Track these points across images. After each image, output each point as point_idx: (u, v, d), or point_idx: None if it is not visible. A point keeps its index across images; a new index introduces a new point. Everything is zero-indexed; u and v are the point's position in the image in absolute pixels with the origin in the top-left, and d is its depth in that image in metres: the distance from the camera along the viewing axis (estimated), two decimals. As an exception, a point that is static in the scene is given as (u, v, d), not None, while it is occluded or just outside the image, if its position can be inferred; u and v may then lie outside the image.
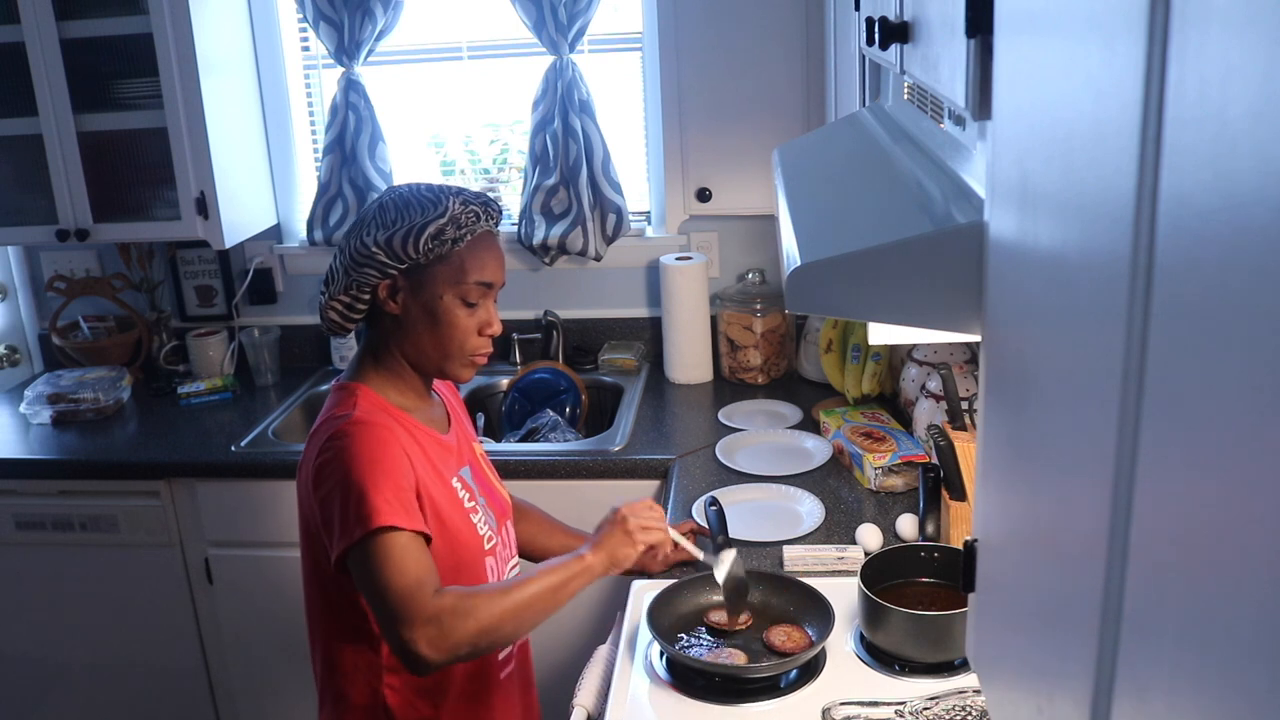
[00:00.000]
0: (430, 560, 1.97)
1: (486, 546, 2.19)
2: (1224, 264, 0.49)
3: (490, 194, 4.07)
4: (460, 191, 2.11)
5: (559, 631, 3.33)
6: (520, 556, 2.44)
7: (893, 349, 3.38)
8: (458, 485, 2.17)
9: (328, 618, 2.17)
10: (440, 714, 2.18)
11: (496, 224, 2.16)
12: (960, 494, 2.43)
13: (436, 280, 2.08)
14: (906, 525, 2.64)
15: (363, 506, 1.93)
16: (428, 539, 1.99)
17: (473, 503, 2.20)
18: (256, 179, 3.90)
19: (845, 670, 2.21)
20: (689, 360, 3.81)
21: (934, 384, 2.93)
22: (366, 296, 2.10)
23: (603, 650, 2.39)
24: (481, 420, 3.75)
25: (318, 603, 2.18)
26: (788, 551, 2.62)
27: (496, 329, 2.19)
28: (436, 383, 2.29)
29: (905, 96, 1.97)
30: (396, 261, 2.06)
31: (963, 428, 2.60)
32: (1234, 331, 0.50)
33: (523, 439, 3.61)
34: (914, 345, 3.18)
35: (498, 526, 2.27)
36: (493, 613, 1.95)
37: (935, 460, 2.53)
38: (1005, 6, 1.00)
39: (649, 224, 4.00)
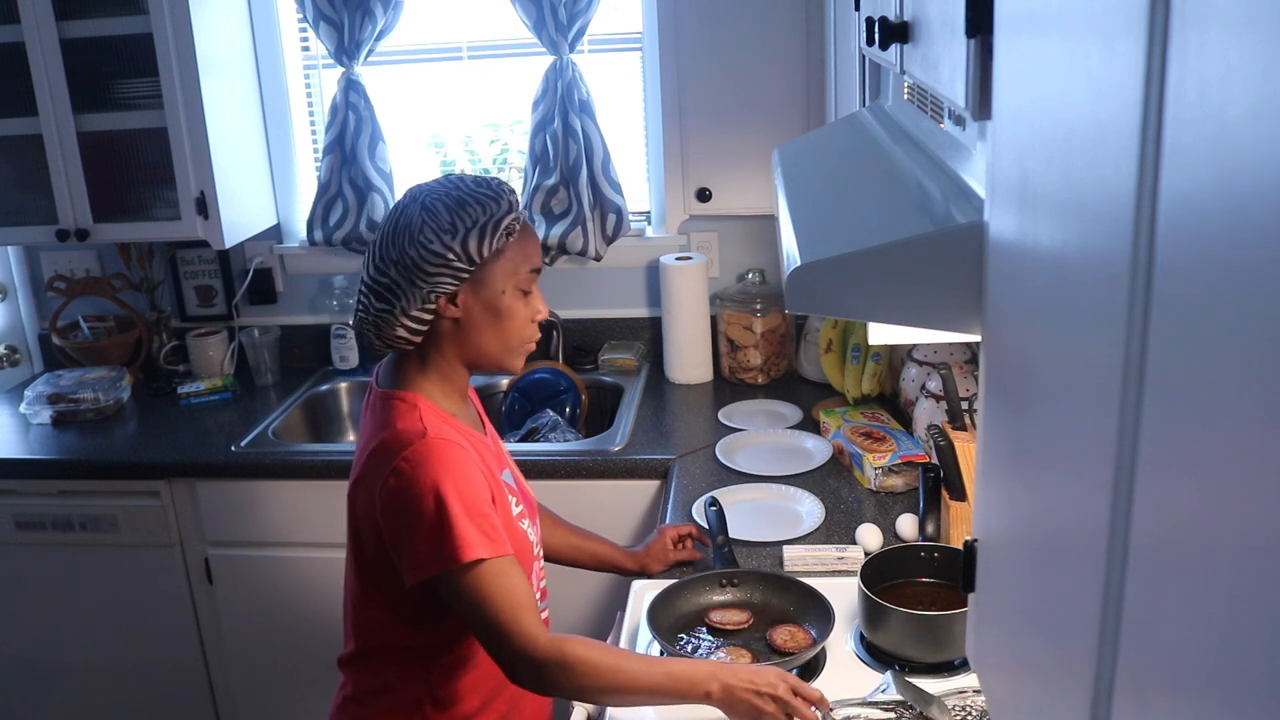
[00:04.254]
0: (522, 581, 1.94)
1: (535, 551, 2.17)
2: (1224, 264, 0.50)
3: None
4: (500, 182, 2.07)
5: (558, 630, 3.33)
6: None
7: (893, 349, 3.38)
8: (505, 490, 2.11)
9: (380, 627, 2.12)
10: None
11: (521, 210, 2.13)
12: (960, 494, 2.43)
13: (498, 276, 2.03)
14: (906, 525, 2.64)
15: (449, 539, 1.88)
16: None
17: (520, 506, 2.15)
18: (256, 179, 3.90)
19: (845, 670, 2.21)
20: (689, 360, 3.81)
21: (934, 384, 2.93)
22: (433, 306, 2.02)
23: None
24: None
25: (371, 607, 2.13)
26: (788, 551, 2.62)
27: (546, 313, 2.17)
28: None
29: (905, 96, 1.97)
30: (469, 264, 1.99)
31: (963, 428, 2.60)
32: (1234, 331, 0.50)
33: (523, 439, 3.61)
34: (914, 345, 3.18)
35: (535, 528, 2.23)
36: (597, 685, 1.92)
37: (935, 460, 2.53)
38: (1005, 6, 1.00)
39: (649, 224, 4.00)
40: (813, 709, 1.92)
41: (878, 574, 2.30)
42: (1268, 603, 0.49)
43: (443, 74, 4.00)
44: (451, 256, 1.97)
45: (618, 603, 2.65)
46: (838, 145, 2.11)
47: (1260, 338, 0.47)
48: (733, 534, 2.64)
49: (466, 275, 2.00)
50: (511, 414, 3.77)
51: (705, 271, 3.77)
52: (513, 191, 2.06)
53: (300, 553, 3.43)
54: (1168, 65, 0.56)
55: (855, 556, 2.55)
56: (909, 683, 2.00)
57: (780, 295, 3.63)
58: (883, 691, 1.95)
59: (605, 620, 3.08)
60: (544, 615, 2.16)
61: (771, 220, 3.67)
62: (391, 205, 2.09)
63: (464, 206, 1.99)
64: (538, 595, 2.18)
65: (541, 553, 2.26)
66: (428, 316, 2.02)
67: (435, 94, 4.04)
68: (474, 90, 4.00)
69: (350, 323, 3.89)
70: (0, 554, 3.58)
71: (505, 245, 2.02)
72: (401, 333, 2.03)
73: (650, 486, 3.25)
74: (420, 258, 1.97)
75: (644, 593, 2.43)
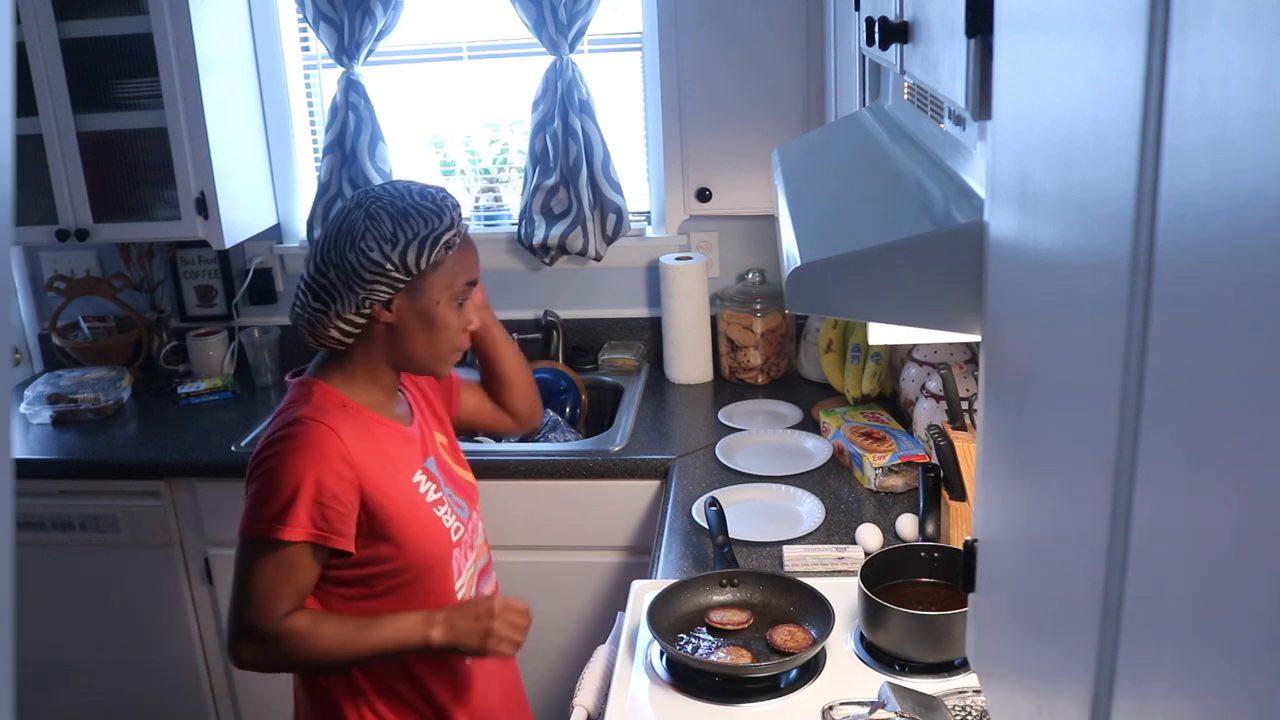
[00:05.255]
0: (305, 580, 2.05)
1: (454, 539, 2.20)
2: (1224, 264, 0.49)
3: (491, 194, 4.08)
4: (446, 194, 2.12)
5: (558, 631, 3.33)
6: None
7: (893, 349, 3.38)
8: (422, 478, 2.18)
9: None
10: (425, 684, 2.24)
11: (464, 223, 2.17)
12: (960, 494, 2.43)
13: (434, 287, 2.08)
14: (906, 525, 2.64)
15: (272, 509, 1.99)
16: (342, 553, 2.06)
17: (438, 494, 2.20)
18: (256, 179, 3.90)
19: (846, 670, 2.21)
20: (689, 360, 3.81)
21: (934, 384, 2.93)
22: (368, 311, 2.07)
23: (603, 650, 2.39)
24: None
25: None
26: (788, 551, 2.62)
27: (477, 324, 2.22)
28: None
29: (905, 97, 1.97)
30: (406, 274, 2.04)
31: (963, 428, 2.61)
32: (1234, 331, 0.50)
33: (523, 439, 3.61)
34: (914, 345, 3.19)
35: (467, 514, 2.29)
36: (321, 656, 2.07)
37: (935, 460, 2.53)
38: (1005, 6, 1.00)
39: (649, 224, 4.00)
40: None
41: (878, 574, 2.30)
42: (1268, 604, 0.49)
43: (443, 74, 3.99)
44: (390, 266, 2.03)
45: (618, 603, 2.65)
46: (838, 145, 2.11)
47: (1261, 338, 0.47)
48: (733, 534, 2.64)
49: (403, 284, 2.06)
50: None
51: (705, 271, 3.77)
52: (456, 206, 2.11)
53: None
54: (1168, 65, 0.56)
55: (855, 556, 2.55)
56: (907, 690, 2.00)
57: (780, 295, 3.63)
58: (882, 706, 1.94)
59: (605, 620, 3.09)
60: (482, 593, 2.32)
61: (772, 220, 3.67)
62: (340, 207, 2.11)
63: (407, 218, 2.04)
64: (470, 577, 2.28)
65: (479, 539, 2.35)
66: (361, 320, 2.09)
67: (435, 94, 4.04)
68: (474, 90, 4.00)
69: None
70: (0, 554, 3.57)
71: (444, 258, 2.07)
72: (334, 333, 2.10)
73: (650, 486, 3.25)
74: (359, 264, 2.03)
75: (644, 593, 2.43)
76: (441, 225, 2.05)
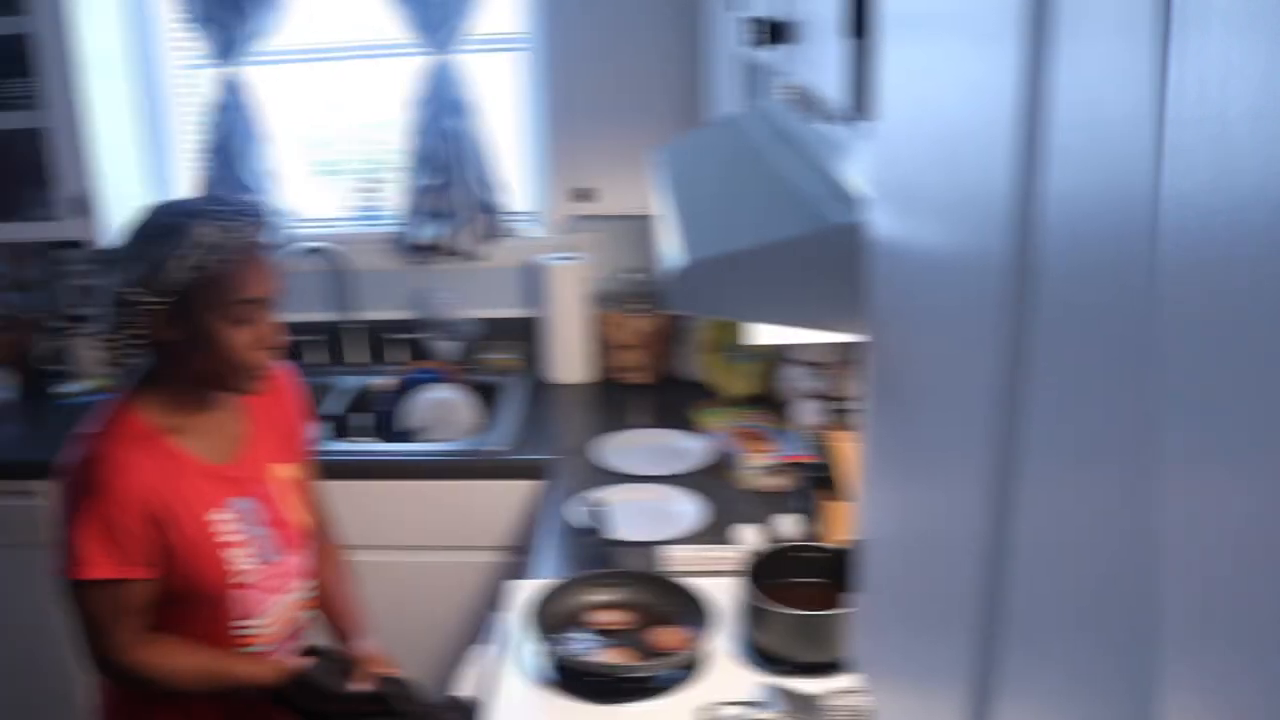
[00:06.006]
0: (131, 600, 2.03)
1: (235, 580, 2.11)
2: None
3: (370, 194, 4.03)
4: (208, 210, 2.03)
5: (432, 630, 3.31)
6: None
7: (773, 349, 3.40)
8: (222, 517, 2.10)
9: None
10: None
11: (260, 233, 2.06)
12: (840, 494, 2.45)
13: (198, 305, 1.99)
14: (787, 525, 2.65)
15: (70, 551, 1.98)
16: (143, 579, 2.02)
17: (240, 535, 2.12)
18: (137, 178, 3.82)
19: (727, 670, 2.21)
20: (569, 360, 3.80)
21: (813, 383, 2.95)
22: (145, 331, 2.01)
23: (479, 650, 2.37)
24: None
25: None
26: (668, 551, 2.62)
27: (274, 341, 2.09)
28: (270, 389, 2.23)
29: (785, 96, 1.98)
30: (160, 297, 1.97)
31: (843, 427, 2.63)
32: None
33: (400, 439, 3.58)
34: (793, 345, 3.21)
35: (279, 558, 2.20)
36: (173, 680, 2.08)
37: (815, 460, 2.55)
38: (890, 7, 1.00)
39: (529, 224, 3.98)
40: None
41: (761, 573, 2.30)
42: (1137, 602, 0.49)
43: (324, 74, 3.95)
44: (133, 293, 1.98)
45: (495, 603, 2.63)
46: (717, 145, 2.11)
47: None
48: (612, 534, 2.64)
49: (161, 306, 1.99)
50: (392, 416, 3.73)
51: (585, 271, 3.76)
52: (221, 219, 2.00)
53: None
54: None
55: (735, 556, 2.56)
56: (791, 693, 2.01)
57: (660, 295, 3.63)
58: (764, 706, 1.95)
59: (476, 619, 3.07)
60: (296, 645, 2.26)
61: (651, 220, 3.68)
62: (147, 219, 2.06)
63: (147, 239, 2.01)
64: (275, 621, 2.21)
65: (281, 582, 2.22)
66: (141, 338, 2.04)
67: (316, 94, 3.99)
68: (355, 90, 3.95)
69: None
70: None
71: (208, 274, 1.97)
72: (116, 352, 2.09)
73: (531, 486, 3.23)
74: (117, 293, 2.00)
75: (521, 591, 2.41)
76: (175, 246, 1.97)
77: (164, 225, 2.00)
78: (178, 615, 2.09)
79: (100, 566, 1.96)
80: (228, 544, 2.10)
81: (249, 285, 2.01)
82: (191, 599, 2.09)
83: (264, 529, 2.17)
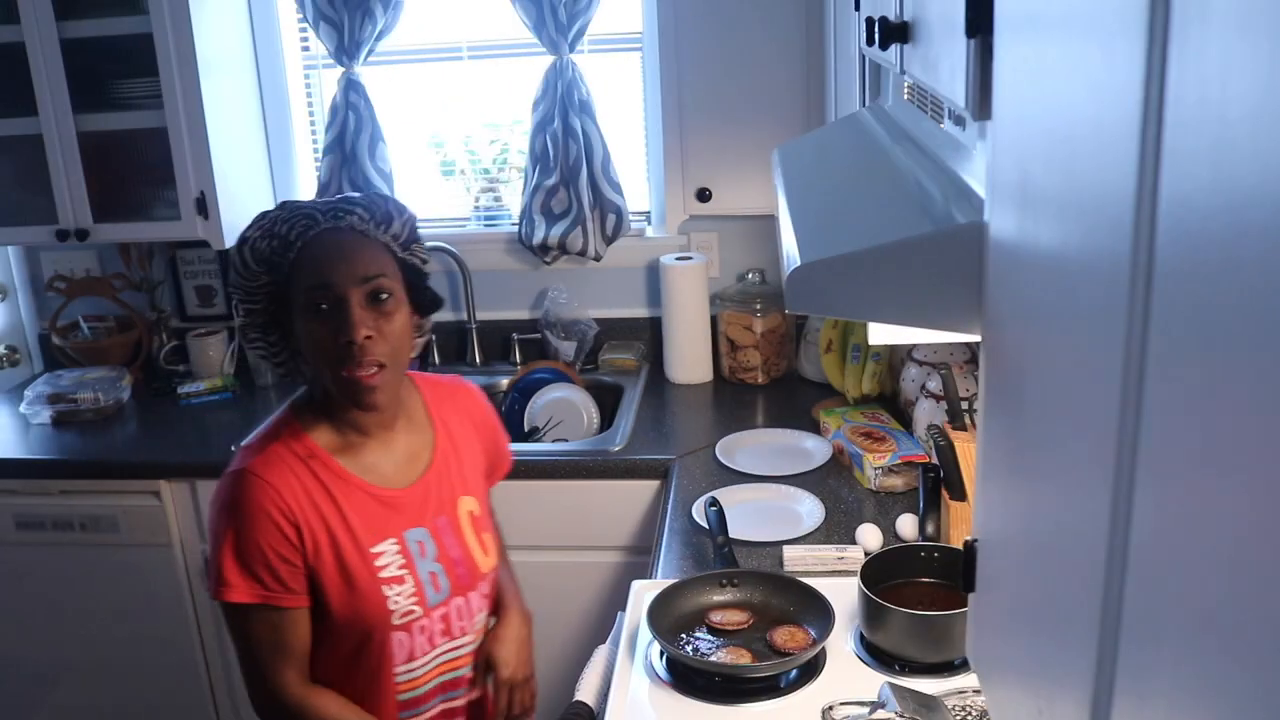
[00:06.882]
0: (295, 630, 1.95)
1: (397, 621, 1.98)
2: (1224, 264, 0.49)
3: (491, 194, 4.06)
4: (285, 205, 1.94)
5: (558, 632, 3.33)
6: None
7: (892, 349, 3.38)
8: (388, 549, 1.98)
9: None
10: None
11: (336, 223, 1.93)
12: (960, 494, 2.43)
13: (283, 297, 1.93)
14: (906, 525, 2.64)
15: (214, 572, 1.93)
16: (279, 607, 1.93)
17: (403, 570, 1.98)
18: (256, 179, 3.90)
19: (846, 670, 2.21)
20: (689, 360, 3.81)
21: (934, 384, 2.93)
22: (274, 336, 1.98)
23: (602, 650, 2.39)
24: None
25: None
26: (788, 552, 2.62)
27: (350, 335, 1.87)
28: (457, 411, 2.17)
29: (905, 97, 1.97)
30: (249, 293, 1.94)
31: (963, 428, 2.60)
32: (1234, 331, 0.50)
33: (524, 438, 3.61)
34: (914, 345, 3.18)
35: (445, 598, 2.05)
36: None
37: (935, 460, 2.53)
38: (1005, 7, 1.00)
39: (649, 224, 4.00)
40: None
41: (878, 574, 2.30)
42: (1272, 605, 0.48)
43: (443, 74, 3.99)
44: (238, 281, 1.95)
45: (617, 603, 2.65)
46: (838, 145, 2.11)
47: (1260, 337, 0.47)
48: (732, 534, 2.64)
49: (261, 299, 1.95)
50: (511, 414, 3.77)
51: (705, 271, 3.77)
52: (292, 212, 1.92)
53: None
54: (1168, 66, 0.56)
55: (855, 556, 2.55)
56: (908, 690, 2.00)
57: (780, 295, 3.63)
58: (882, 706, 1.94)
59: (606, 620, 3.08)
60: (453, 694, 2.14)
61: (771, 220, 3.67)
62: None
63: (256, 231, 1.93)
64: (430, 667, 2.07)
65: (445, 626, 2.07)
66: (272, 343, 2.00)
67: (436, 94, 4.04)
68: (474, 90, 3.99)
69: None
70: (0, 554, 3.57)
71: (283, 265, 1.91)
72: (260, 355, 2.03)
73: (650, 486, 3.25)
74: (233, 281, 1.97)
75: (644, 593, 2.43)
76: (241, 234, 1.94)
77: (253, 221, 1.94)
78: (335, 655, 2.00)
79: (239, 590, 1.89)
80: (391, 579, 1.97)
81: (315, 271, 1.88)
82: (348, 636, 1.98)
83: (436, 564, 2.03)
